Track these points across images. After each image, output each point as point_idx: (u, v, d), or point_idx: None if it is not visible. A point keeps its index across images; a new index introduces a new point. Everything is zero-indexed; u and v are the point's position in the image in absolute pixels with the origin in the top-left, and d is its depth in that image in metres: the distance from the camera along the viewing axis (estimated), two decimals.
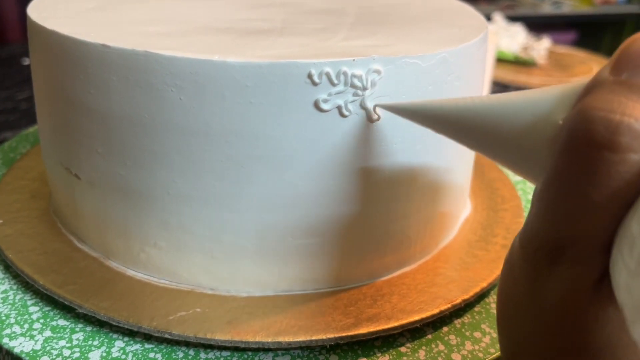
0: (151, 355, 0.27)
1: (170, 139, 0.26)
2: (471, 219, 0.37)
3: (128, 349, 0.27)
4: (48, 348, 0.27)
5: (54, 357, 0.26)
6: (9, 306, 0.29)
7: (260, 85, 0.25)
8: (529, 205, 0.41)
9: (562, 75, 0.86)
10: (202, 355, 0.27)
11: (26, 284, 0.30)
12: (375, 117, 0.26)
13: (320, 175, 0.27)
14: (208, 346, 0.27)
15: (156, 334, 0.27)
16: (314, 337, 0.27)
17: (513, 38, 0.89)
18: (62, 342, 0.27)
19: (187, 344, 0.27)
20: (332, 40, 0.28)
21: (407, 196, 0.30)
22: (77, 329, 0.28)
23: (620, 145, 0.14)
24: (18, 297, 0.30)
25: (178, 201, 0.28)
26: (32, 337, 0.27)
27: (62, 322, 0.28)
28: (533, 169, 0.18)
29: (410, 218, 0.31)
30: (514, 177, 0.44)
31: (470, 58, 0.30)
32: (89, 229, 0.32)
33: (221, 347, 0.27)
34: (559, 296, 0.16)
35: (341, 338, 0.27)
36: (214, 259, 0.29)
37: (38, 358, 0.26)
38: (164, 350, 0.27)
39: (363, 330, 0.27)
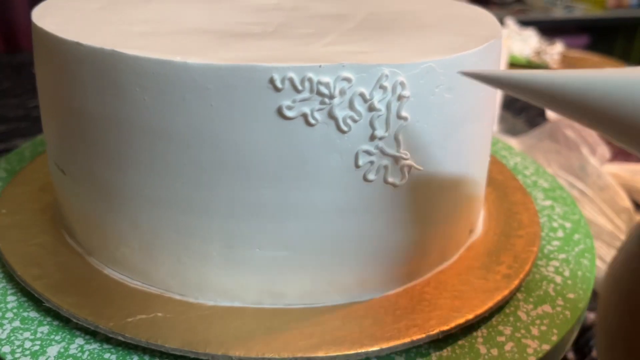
0: (107, 355, 0.26)
1: (137, 140, 0.26)
2: (478, 243, 0.35)
3: (86, 347, 0.27)
4: (12, 338, 0.27)
5: (15, 347, 0.26)
6: None
7: (221, 89, 0.24)
8: (550, 234, 0.37)
9: None
10: None
11: (11, 274, 0.31)
12: (345, 128, 0.25)
13: (287, 185, 0.26)
14: (165, 354, 0.27)
15: (111, 335, 0.26)
16: (266, 355, 0.25)
17: (525, 42, 0.87)
18: (27, 334, 0.27)
19: (144, 349, 0.27)
20: (314, 45, 0.27)
21: (387, 211, 0.28)
22: (45, 322, 0.28)
23: None
24: (1, 285, 0.31)
25: (147, 202, 0.27)
26: (1, 325, 0.28)
27: (33, 314, 0.29)
28: None
29: (389, 235, 0.28)
30: (541, 202, 0.40)
31: (467, 69, 0.28)
32: (73, 225, 0.32)
33: (177, 356, 0.26)
34: None
35: (296, 359, 0.25)
36: (181, 264, 0.28)
37: (1, 347, 0.27)
38: (120, 352, 0.27)
39: (322, 353, 0.26)
